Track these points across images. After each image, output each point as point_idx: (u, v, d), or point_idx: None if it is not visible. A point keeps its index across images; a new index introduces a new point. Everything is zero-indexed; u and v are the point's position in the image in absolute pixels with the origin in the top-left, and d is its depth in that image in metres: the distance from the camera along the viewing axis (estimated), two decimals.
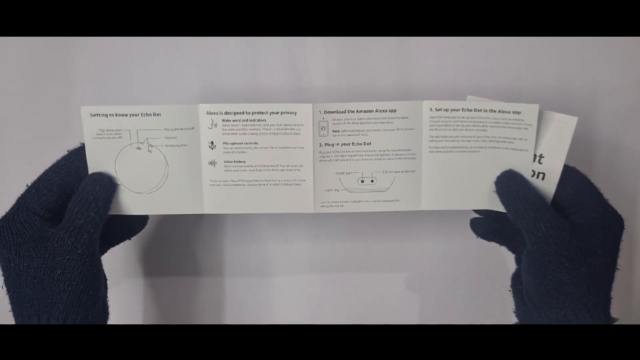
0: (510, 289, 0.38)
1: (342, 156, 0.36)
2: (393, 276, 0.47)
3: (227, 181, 0.36)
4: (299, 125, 0.35)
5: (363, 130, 0.36)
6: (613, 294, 0.34)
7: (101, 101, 0.44)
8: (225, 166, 0.36)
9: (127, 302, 0.47)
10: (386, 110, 0.36)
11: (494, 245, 0.39)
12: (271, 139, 0.36)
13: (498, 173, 0.36)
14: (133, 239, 0.39)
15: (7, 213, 0.34)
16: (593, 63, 0.44)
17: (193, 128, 0.35)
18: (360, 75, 0.44)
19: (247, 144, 0.36)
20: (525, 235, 0.34)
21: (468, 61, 0.43)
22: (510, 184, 0.35)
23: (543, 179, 0.36)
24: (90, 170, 0.35)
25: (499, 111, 0.35)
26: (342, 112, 0.35)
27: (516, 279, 0.37)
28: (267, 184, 0.36)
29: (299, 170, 0.36)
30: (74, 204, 0.33)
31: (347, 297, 0.47)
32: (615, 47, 0.43)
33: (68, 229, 0.32)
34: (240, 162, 0.36)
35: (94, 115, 0.35)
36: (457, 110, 0.35)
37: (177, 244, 0.46)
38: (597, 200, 0.35)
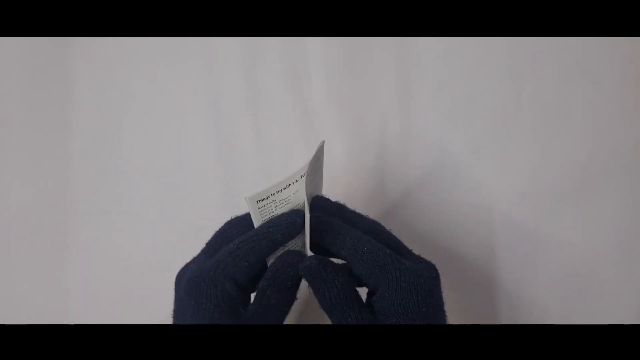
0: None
1: None
2: None
3: None
4: None
5: None
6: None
7: (100, 101, 0.44)
8: None
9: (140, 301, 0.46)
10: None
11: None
12: None
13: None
14: None
15: (206, 271, 0.31)
16: (592, 63, 0.44)
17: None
18: (360, 75, 0.44)
19: None
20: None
21: (467, 61, 0.44)
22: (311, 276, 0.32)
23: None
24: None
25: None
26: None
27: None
28: None
29: None
30: (268, 286, 0.31)
31: None
32: (615, 47, 0.43)
33: (258, 319, 0.31)
34: None
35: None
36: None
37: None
38: (389, 269, 0.31)
